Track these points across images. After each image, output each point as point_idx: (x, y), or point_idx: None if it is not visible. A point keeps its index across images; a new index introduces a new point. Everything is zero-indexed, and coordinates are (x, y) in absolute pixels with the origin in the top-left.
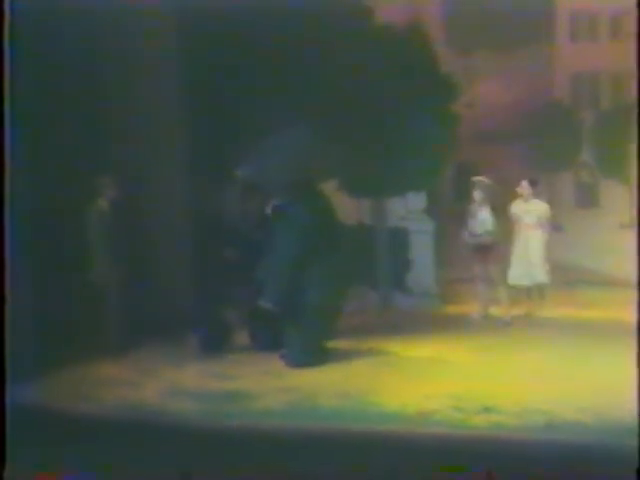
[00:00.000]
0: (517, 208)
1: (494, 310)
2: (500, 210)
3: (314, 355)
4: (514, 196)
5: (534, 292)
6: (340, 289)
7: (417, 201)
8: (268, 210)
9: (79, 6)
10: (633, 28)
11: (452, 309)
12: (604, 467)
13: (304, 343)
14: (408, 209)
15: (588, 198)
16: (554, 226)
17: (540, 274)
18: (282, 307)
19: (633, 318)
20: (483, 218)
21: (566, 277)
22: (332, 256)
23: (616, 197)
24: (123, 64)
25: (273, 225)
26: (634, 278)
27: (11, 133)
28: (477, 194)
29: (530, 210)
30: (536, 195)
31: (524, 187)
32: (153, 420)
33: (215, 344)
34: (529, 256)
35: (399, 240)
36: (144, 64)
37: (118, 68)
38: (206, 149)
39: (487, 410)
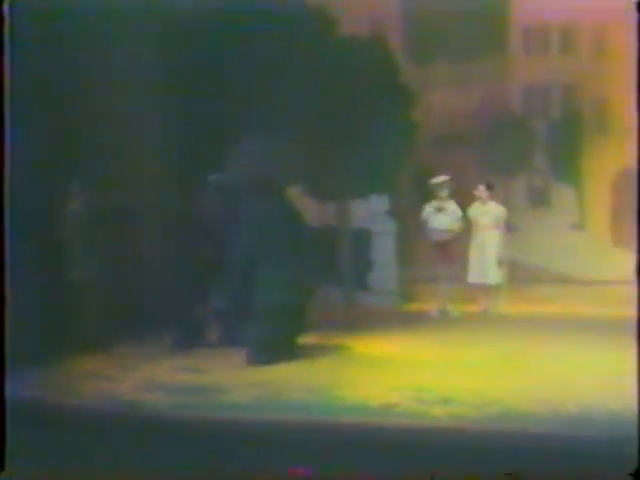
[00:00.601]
0: (475, 210)
1: (450, 307)
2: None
3: (277, 353)
4: (472, 199)
5: (491, 290)
6: (304, 288)
7: (379, 204)
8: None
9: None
10: (583, 43)
11: (412, 306)
12: (556, 458)
13: (265, 342)
14: (371, 211)
15: (540, 200)
16: (508, 227)
17: (496, 273)
18: (235, 306)
19: (582, 312)
20: (453, 210)
21: (519, 275)
22: (293, 256)
23: (567, 199)
24: (107, 71)
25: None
26: (583, 275)
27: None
28: (443, 192)
29: (487, 212)
30: (492, 198)
31: (481, 190)
32: (129, 412)
33: (188, 340)
34: (486, 256)
35: (362, 241)
36: (128, 72)
37: (103, 75)
38: (184, 153)
39: (446, 402)
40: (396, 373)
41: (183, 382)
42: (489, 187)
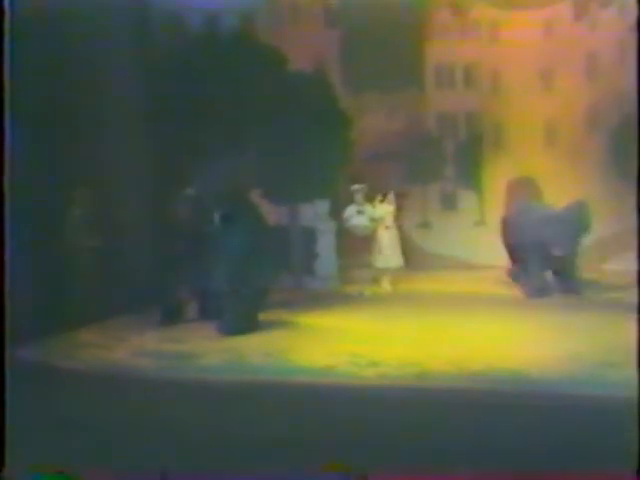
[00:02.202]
0: (381, 211)
1: (375, 288)
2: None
3: (245, 326)
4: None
5: (394, 273)
6: (264, 275)
7: (322, 207)
8: (216, 217)
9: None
10: (482, 79)
11: (348, 288)
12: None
13: (233, 317)
14: (316, 213)
15: (450, 203)
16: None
17: (399, 260)
18: (231, 288)
19: (483, 290)
20: (369, 212)
21: (434, 262)
22: (255, 249)
23: (471, 202)
24: (93, 95)
25: (222, 229)
26: (484, 262)
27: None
28: (359, 198)
29: (389, 212)
30: (390, 202)
31: (386, 196)
32: (122, 375)
33: (173, 316)
34: (393, 246)
35: (308, 237)
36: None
37: (90, 99)
38: (166, 167)
39: (375, 364)
40: (335, 342)
41: (166, 350)
42: (387, 194)
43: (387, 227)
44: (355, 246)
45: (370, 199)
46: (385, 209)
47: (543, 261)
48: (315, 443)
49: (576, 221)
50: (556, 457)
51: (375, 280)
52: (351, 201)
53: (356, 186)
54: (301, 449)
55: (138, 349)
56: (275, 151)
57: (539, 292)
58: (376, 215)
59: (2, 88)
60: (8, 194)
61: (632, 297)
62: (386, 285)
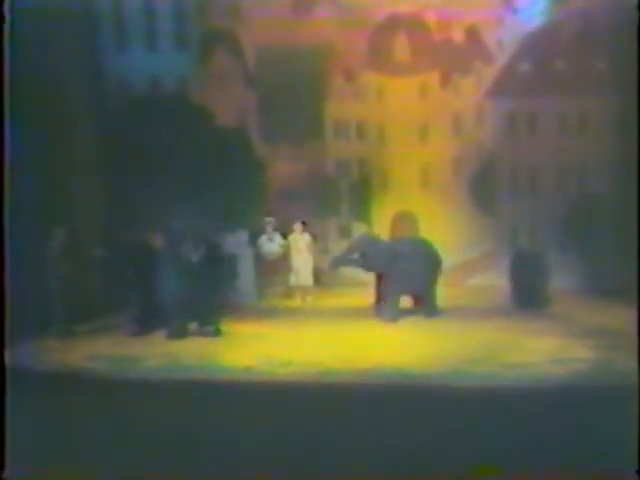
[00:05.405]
0: (294, 238)
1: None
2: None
3: (182, 332)
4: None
5: (309, 289)
6: (200, 293)
7: (243, 236)
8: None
9: None
10: (371, 132)
11: (264, 302)
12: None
13: (176, 325)
14: (238, 242)
15: (346, 234)
16: (324, 250)
17: (310, 279)
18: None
19: (366, 303)
20: (281, 241)
21: (333, 281)
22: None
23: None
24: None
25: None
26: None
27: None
28: (269, 228)
29: (302, 239)
30: (305, 231)
31: (299, 226)
32: (78, 375)
33: (144, 327)
34: (305, 267)
35: (232, 261)
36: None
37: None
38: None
39: (287, 364)
40: (255, 346)
41: (115, 354)
42: (304, 224)
43: (300, 252)
44: (271, 268)
45: (279, 229)
46: (301, 238)
47: (399, 290)
48: (237, 432)
49: (428, 256)
50: (427, 441)
51: (287, 295)
52: (264, 231)
53: (267, 219)
54: (227, 439)
55: (91, 353)
56: (207, 192)
57: (392, 317)
58: (291, 242)
59: (2, 84)
60: None
61: (487, 304)
62: (297, 299)
